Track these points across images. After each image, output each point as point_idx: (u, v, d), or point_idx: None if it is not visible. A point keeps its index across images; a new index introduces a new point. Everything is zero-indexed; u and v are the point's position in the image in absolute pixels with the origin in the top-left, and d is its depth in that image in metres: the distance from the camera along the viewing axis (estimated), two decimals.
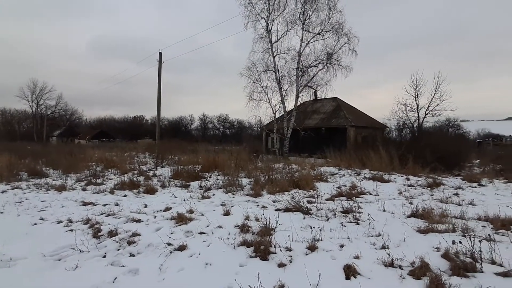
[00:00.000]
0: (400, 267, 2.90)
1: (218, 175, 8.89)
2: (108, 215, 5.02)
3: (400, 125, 24.04)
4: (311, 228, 3.85)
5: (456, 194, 6.23)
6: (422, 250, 3.14)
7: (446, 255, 3.03)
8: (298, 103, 18.74)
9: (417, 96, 21.92)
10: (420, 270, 2.76)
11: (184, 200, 5.98)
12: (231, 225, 4.28)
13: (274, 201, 5.71)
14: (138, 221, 4.63)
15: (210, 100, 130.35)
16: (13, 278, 2.98)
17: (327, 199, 5.87)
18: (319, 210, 4.99)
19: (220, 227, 4.25)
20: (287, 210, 5.00)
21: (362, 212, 4.76)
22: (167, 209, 5.30)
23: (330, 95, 19.00)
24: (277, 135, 19.95)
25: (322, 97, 19.36)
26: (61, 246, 3.67)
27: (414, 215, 4.56)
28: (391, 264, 2.94)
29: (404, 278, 2.72)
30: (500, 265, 2.85)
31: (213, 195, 6.51)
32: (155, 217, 4.86)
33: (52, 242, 3.79)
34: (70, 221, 4.73)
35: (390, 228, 3.95)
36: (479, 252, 2.87)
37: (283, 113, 18.62)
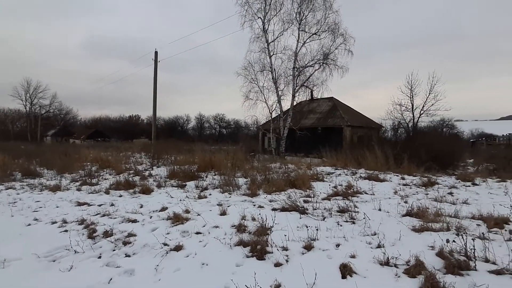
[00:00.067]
0: (396, 265, 2.92)
1: (215, 175, 8.87)
2: (104, 215, 4.98)
3: (395, 125, 24.22)
4: (307, 227, 3.87)
5: (451, 193, 6.29)
6: (417, 249, 3.16)
7: (440, 254, 3.07)
8: (295, 103, 18.79)
9: (412, 96, 22.12)
10: (415, 269, 2.78)
11: (180, 200, 5.96)
12: (228, 225, 4.27)
13: (270, 201, 5.72)
14: (134, 221, 4.60)
15: (206, 100, 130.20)
16: (7, 280, 2.94)
17: (323, 199, 5.89)
18: (315, 209, 5.01)
19: (217, 227, 4.24)
20: (283, 209, 5.01)
21: (358, 212, 4.79)
22: (163, 209, 5.27)
23: (326, 95, 19.12)
24: (273, 134, 19.98)
25: (318, 97, 19.46)
26: (56, 247, 3.63)
27: (409, 214, 4.60)
28: (386, 263, 2.96)
29: (399, 276, 2.75)
30: (494, 263, 2.89)
31: (210, 195, 6.49)
32: (151, 217, 4.83)
33: (46, 243, 3.75)
34: (64, 221, 4.68)
35: (385, 227, 3.98)
36: (473, 251, 2.91)
37: (279, 112, 18.66)
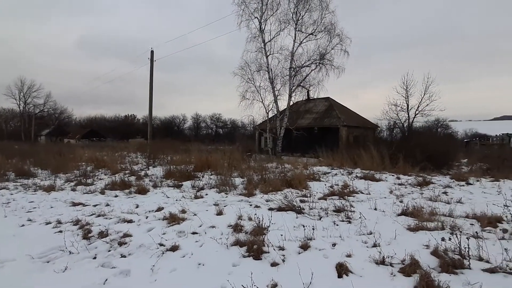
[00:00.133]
0: (391, 264, 2.95)
1: (211, 174, 8.85)
2: (99, 215, 4.93)
3: (391, 125, 24.44)
4: (304, 227, 3.87)
5: (445, 193, 6.36)
6: (412, 248, 3.19)
7: (435, 253, 3.09)
8: (291, 103, 18.81)
9: (408, 96, 22.36)
10: (410, 268, 2.80)
11: (177, 200, 5.93)
12: (224, 225, 4.27)
13: (267, 201, 5.72)
14: (130, 221, 4.57)
15: (203, 100, 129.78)
16: (0, 281, 2.90)
17: (319, 198, 5.91)
18: (311, 209, 5.03)
19: (213, 227, 4.23)
20: (280, 209, 5.02)
21: (354, 211, 4.81)
22: (159, 209, 5.24)
23: (323, 95, 19.16)
24: (270, 134, 20.00)
25: (315, 97, 19.51)
26: (50, 247, 3.59)
27: (404, 213, 4.63)
28: (382, 262, 2.98)
29: (394, 275, 2.77)
30: (487, 262, 2.92)
31: (206, 194, 6.47)
32: (147, 217, 4.81)
33: (40, 243, 3.71)
34: (59, 222, 4.63)
35: (381, 226, 4.01)
36: (467, 249, 2.94)
37: (276, 112, 18.67)
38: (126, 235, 3.96)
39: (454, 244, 3.12)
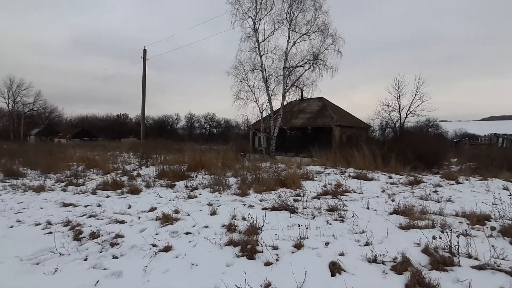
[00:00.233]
0: (383, 262, 2.99)
1: (205, 174, 8.81)
2: (90, 216, 4.86)
3: (383, 125, 24.73)
4: (298, 226, 3.89)
5: (435, 191, 6.47)
6: (403, 246, 3.24)
7: (426, 250, 3.15)
8: (285, 103, 18.86)
9: (399, 97, 22.64)
10: (401, 265, 2.85)
11: (170, 200, 5.89)
12: (218, 225, 4.26)
13: (261, 200, 5.73)
14: (122, 222, 4.51)
15: (197, 99, 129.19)
16: None
17: (313, 198, 5.95)
18: (305, 208, 5.05)
19: (207, 227, 4.21)
20: (273, 209, 5.03)
21: (347, 210, 4.85)
22: (152, 209, 5.20)
23: (316, 95, 19.27)
24: (264, 134, 20.02)
25: (308, 97, 19.61)
26: (40, 249, 3.52)
27: (396, 212, 4.70)
28: (374, 260, 3.02)
29: (386, 273, 2.80)
30: (476, 259, 2.99)
31: (200, 194, 6.44)
32: (139, 217, 4.76)
33: (30, 245, 3.64)
34: (49, 223, 4.55)
35: (373, 225, 4.06)
36: (457, 247, 3.00)
37: (270, 112, 18.69)
38: (118, 236, 3.91)
39: (444, 242, 3.18)
